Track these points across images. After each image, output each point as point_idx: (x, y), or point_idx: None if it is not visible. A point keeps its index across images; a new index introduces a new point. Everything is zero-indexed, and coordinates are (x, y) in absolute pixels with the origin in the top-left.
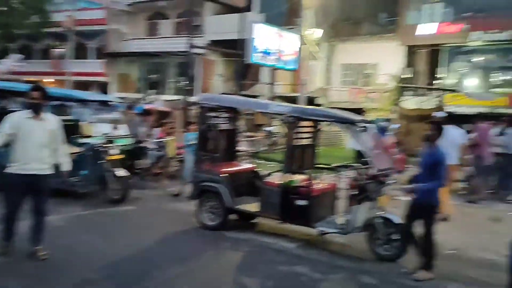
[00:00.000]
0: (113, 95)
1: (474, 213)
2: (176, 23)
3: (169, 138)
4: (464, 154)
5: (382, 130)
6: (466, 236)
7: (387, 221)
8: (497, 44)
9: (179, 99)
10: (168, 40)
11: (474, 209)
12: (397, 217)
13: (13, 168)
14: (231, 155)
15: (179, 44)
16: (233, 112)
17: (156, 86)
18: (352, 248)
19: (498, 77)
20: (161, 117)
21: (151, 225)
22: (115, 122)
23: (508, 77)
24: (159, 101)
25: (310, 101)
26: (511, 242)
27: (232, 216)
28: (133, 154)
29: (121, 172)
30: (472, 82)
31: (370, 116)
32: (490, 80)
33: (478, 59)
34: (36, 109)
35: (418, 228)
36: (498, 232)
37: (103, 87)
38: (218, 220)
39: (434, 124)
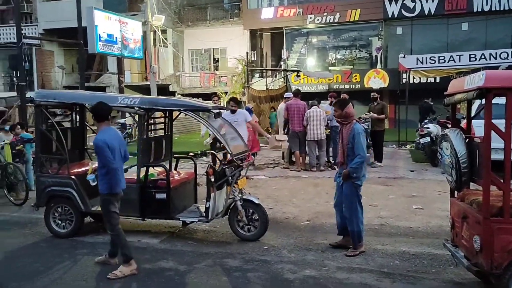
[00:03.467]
0: None
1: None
2: (1, 10)
3: (4, 142)
4: None
5: (249, 111)
6: (314, 204)
7: (247, 202)
8: (329, 26)
9: (14, 96)
10: None
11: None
12: (256, 198)
13: None
14: (80, 154)
15: (8, 34)
16: (77, 108)
17: None
18: (216, 233)
19: (332, 56)
20: None
21: None
22: None
23: (340, 56)
24: None
25: (163, 89)
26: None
27: (87, 219)
28: None
29: None
30: (311, 62)
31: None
32: (326, 59)
33: (315, 40)
34: None
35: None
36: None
37: None
38: (71, 226)
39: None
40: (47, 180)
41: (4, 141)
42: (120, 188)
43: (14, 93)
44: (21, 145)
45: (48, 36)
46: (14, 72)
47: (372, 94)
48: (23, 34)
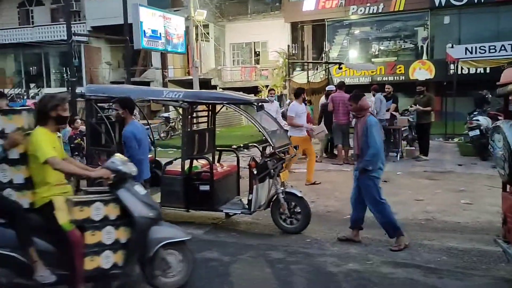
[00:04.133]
0: None
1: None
2: (52, 9)
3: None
4: None
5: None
6: None
7: (289, 195)
8: (373, 16)
9: (65, 92)
10: (45, 29)
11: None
12: (298, 191)
13: None
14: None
15: (58, 32)
16: None
17: (37, 79)
18: (259, 226)
19: (376, 47)
20: None
21: None
22: None
23: (383, 48)
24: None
25: (205, 83)
26: None
27: None
28: None
29: None
30: (353, 54)
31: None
32: (369, 51)
33: (357, 31)
34: None
35: None
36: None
37: None
38: None
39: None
40: None
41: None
42: (142, 179)
43: (65, 89)
44: (80, 139)
45: (96, 33)
46: (64, 68)
47: (417, 87)
48: (73, 32)
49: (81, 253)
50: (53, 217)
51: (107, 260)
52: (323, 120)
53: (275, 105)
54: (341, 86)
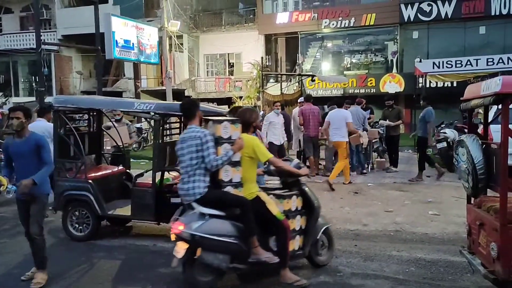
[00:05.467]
0: None
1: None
2: (21, 17)
3: None
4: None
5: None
6: (329, 209)
7: None
8: (344, 30)
9: (33, 101)
10: (13, 37)
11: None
12: None
13: None
14: (97, 158)
15: (27, 40)
16: (94, 113)
17: (5, 87)
18: None
19: (348, 60)
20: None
21: (7, 245)
22: None
23: (355, 61)
24: (10, 105)
25: (179, 93)
26: None
27: (103, 223)
28: None
29: None
30: (326, 66)
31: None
32: (341, 63)
33: (330, 44)
34: None
35: None
36: (357, 204)
37: None
38: (88, 229)
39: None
40: (64, 184)
41: None
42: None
43: (33, 98)
44: None
45: (67, 42)
46: (33, 77)
47: (386, 102)
48: (43, 40)
49: (290, 238)
50: (266, 209)
51: (296, 243)
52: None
53: (281, 118)
54: (309, 98)
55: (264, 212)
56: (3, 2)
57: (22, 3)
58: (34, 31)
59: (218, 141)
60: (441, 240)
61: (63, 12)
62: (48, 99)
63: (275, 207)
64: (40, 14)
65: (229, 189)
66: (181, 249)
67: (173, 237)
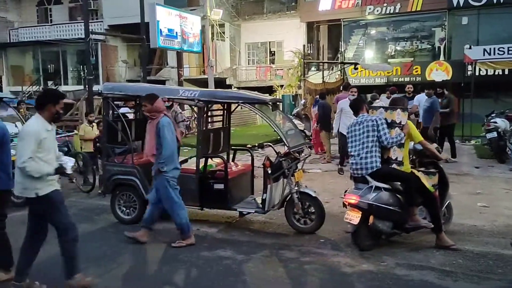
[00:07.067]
0: (6, 90)
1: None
2: (70, 8)
3: (74, 132)
4: None
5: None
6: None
7: (303, 195)
8: (389, 17)
9: (81, 89)
10: (63, 27)
11: None
12: (313, 191)
13: None
14: (143, 145)
15: (76, 30)
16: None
17: (54, 76)
18: (272, 225)
19: (392, 48)
20: (64, 110)
21: None
22: (12, 119)
23: (400, 48)
24: None
25: (220, 82)
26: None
27: None
28: None
29: None
30: (369, 54)
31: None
32: (385, 51)
33: (373, 31)
34: None
35: None
36: None
37: None
38: (135, 212)
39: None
40: (113, 168)
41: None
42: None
43: (82, 87)
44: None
45: (113, 31)
46: (81, 66)
47: (438, 90)
48: (90, 30)
49: (439, 207)
50: (421, 183)
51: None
52: None
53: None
54: (346, 87)
55: (419, 185)
56: None
57: None
58: (82, 21)
59: (392, 125)
60: (490, 232)
61: (109, 2)
62: (96, 87)
63: (427, 181)
64: (88, 5)
65: (394, 166)
66: (354, 217)
67: (347, 208)
